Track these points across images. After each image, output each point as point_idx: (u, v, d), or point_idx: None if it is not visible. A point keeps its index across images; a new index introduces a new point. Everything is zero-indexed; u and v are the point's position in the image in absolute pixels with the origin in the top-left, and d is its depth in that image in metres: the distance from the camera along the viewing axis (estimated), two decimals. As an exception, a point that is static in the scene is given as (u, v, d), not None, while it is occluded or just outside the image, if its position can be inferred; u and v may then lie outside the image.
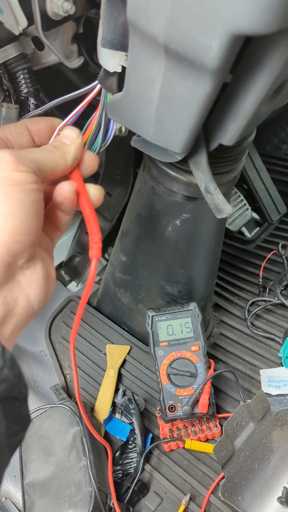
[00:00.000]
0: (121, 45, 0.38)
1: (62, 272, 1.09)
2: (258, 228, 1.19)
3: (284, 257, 1.07)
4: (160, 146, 0.45)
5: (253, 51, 0.35)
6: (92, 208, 0.39)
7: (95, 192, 0.40)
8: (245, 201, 1.17)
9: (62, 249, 1.07)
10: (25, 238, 0.33)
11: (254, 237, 1.17)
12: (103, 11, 0.37)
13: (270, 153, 1.29)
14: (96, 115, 0.46)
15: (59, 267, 1.09)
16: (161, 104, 0.39)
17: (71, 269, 1.08)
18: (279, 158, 1.27)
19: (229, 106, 0.41)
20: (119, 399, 0.86)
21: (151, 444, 0.79)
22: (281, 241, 1.11)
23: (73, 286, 1.08)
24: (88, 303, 1.03)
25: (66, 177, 0.40)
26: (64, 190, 0.38)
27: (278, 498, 0.66)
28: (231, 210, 0.47)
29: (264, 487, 0.68)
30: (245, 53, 0.35)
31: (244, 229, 1.18)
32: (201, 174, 0.47)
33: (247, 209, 1.17)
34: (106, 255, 1.09)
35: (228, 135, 0.43)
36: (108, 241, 0.96)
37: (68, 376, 0.93)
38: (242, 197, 1.16)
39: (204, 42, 0.30)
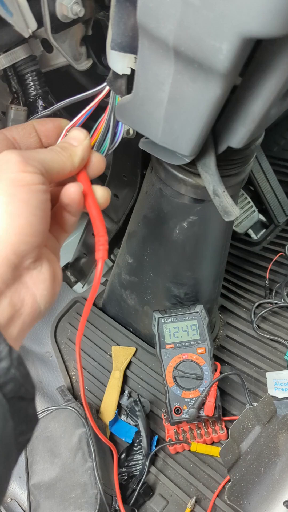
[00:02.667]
0: (131, 47, 0.38)
1: (68, 273, 1.09)
2: (264, 230, 1.19)
3: (290, 259, 1.07)
4: (168, 149, 0.45)
5: (263, 53, 0.34)
6: (99, 209, 0.39)
7: (102, 193, 0.40)
8: (251, 203, 1.16)
9: (68, 250, 1.08)
10: (31, 239, 0.33)
11: (260, 239, 1.16)
12: (113, 13, 0.37)
13: (277, 155, 1.28)
14: (104, 117, 0.46)
15: (65, 268, 1.09)
16: (170, 107, 0.39)
17: (77, 270, 1.08)
18: (286, 160, 1.26)
19: (238, 109, 0.40)
20: (125, 401, 0.86)
21: (156, 446, 0.79)
22: (287, 243, 1.10)
23: (79, 287, 1.09)
24: (94, 304, 1.03)
25: (73, 178, 0.40)
26: (71, 192, 0.38)
27: (285, 502, 0.66)
28: (239, 213, 0.47)
29: (270, 490, 0.67)
30: (255, 55, 0.35)
31: (250, 231, 1.18)
32: (209, 177, 0.47)
33: (254, 211, 1.16)
34: (112, 257, 1.09)
35: (237, 137, 0.43)
36: (114, 243, 0.96)
37: (74, 377, 0.93)
38: (249, 199, 1.16)
39: (214, 45, 0.30)
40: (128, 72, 0.41)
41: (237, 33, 0.29)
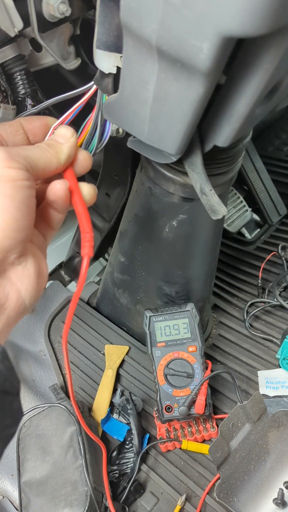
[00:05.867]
0: (116, 46, 0.38)
1: (62, 272, 1.10)
2: (258, 230, 1.20)
3: (283, 258, 1.07)
4: (155, 147, 0.45)
5: (246, 52, 0.35)
6: (85, 206, 0.40)
7: (88, 191, 0.41)
8: (244, 203, 1.17)
9: (62, 249, 1.08)
10: (16, 234, 0.34)
11: (254, 239, 1.17)
12: (97, 13, 0.37)
13: (271, 154, 1.29)
14: (92, 116, 0.47)
15: (59, 267, 1.10)
16: (155, 105, 0.39)
17: (71, 269, 1.08)
18: (280, 159, 1.27)
19: (223, 107, 0.41)
20: (117, 399, 0.86)
21: (148, 444, 0.80)
22: (281, 243, 1.10)
23: (73, 286, 1.09)
24: (88, 303, 1.03)
25: (60, 175, 0.40)
26: (57, 189, 0.38)
27: (274, 499, 0.66)
28: (226, 211, 0.47)
29: (259, 488, 0.68)
30: (238, 54, 0.35)
31: (244, 230, 1.18)
32: (196, 175, 0.47)
33: (246, 210, 1.17)
34: (106, 256, 1.10)
35: (223, 136, 0.43)
36: (108, 242, 0.97)
37: (66, 376, 0.93)
38: (241, 198, 1.17)
39: (195, 44, 0.31)
40: (114, 71, 0.41)
41: (217, 32, 0.29)
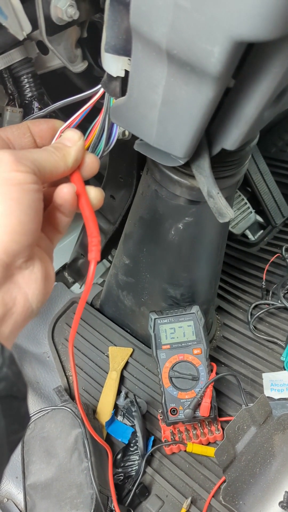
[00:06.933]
0: (124, 50, 0.38)
1: (66, 274, 1.10)
2: (262, 231, 1.19)
3: (287, 260, 1.07)
4: (162, 150, 0.45)
5: (256, 56, 0.35)
6: (92, 210, 0.40)
7: (95, 194, 0.41)
8: (248, 204, 1.17)
9: (65, 251, 1.08)
10: (23, 238, 0.34)
11: (257, 240, 1.17)
12: (106, 16, 0.37)
13: (275, 156, 1.28)
14: (99, 119, 0.46)
15: (63, 269, 1.10)
16: (164, 109, 0.39)
17: (75, 271, 1.08)
18: (283, 161, 1.27)
19: (231, 111, 0.41)
20: (121, 402, 0.86)
21: (152, 446, 0.79)
22: (284, 244, 1.10)
23: (76, 288, 1.09)
24: (92, 305, 1.03)
25: (67, 179, 0.40)
26: (64, 192, 0.38)
27: (280, 502, 0.66)
28: (233, 214, 0.47)
29: (265, 491, 0.68)
30: (248, 58, 0.35)
31: (248, 232, 1.18)
32: (204, 178, 0.47)
33: (251, 212, 1.17)
34: (109, 257, 1.10)
35: (231, 139, 0.43)
36: (111, 244, 0.97)
37: (71, 377, 0.93)
38: (245, 200, 1.16)
39: (206, 48, 0.31)
40: (122, 74, 0.41)
41: (228, 36, 0.29)
